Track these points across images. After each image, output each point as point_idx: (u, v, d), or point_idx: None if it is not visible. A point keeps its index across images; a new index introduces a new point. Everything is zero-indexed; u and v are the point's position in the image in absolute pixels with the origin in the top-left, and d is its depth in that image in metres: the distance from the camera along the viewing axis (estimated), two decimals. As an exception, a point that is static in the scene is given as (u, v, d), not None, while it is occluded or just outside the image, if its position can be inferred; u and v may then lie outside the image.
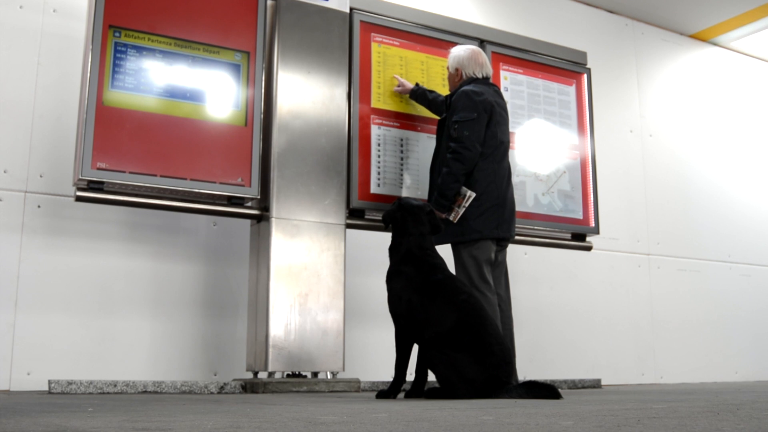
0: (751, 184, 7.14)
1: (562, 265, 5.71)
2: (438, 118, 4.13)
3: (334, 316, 3.94)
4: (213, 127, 3.87)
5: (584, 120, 5.03)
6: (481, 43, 4.69)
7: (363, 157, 4.22)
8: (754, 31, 6.95)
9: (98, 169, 3.55)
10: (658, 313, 6.23)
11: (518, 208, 4.03)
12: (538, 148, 4.82)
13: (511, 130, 4.14)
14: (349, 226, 4.13)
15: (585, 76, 5.12)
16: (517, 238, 4.26)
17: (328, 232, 4.01)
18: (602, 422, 1.65)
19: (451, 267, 3.51)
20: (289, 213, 3.93)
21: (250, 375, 4.00)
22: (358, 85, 4.26)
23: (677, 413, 1.93)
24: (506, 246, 3.88)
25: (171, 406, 2.40)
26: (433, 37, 4.57)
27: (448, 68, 4.00)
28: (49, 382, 3.46)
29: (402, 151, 4.36)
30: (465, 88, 3.79)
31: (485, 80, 3.90)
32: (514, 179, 3.95)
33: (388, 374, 3.34)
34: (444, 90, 4.40)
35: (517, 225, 3.97)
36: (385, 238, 3.50)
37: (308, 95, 4.10)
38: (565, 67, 5.06)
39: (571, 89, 5.05)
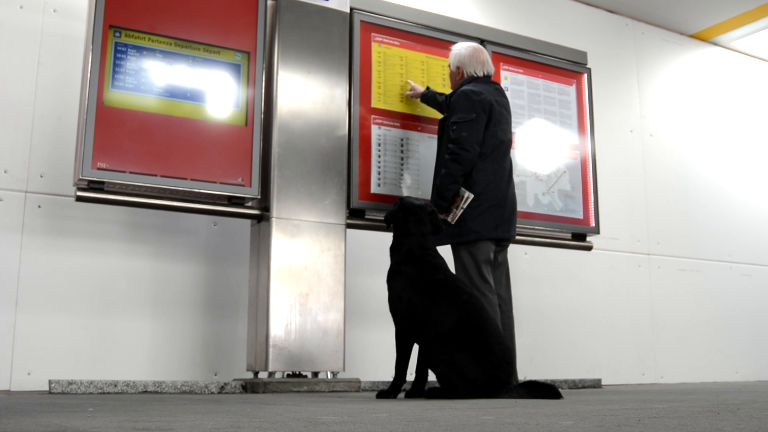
0: (751, 184, 7.14)
1: (563, 265, 5.71)
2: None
3: (335, 316, 3.94)
4: (213, 127, 3.87)
5: (584, 120, 5.03)
6: (482, 42, 4.68)
7: (363, 157, 4.22)
8: (755, 31, 6.95)
9: (98, 169, 3.55)
10: (659, 312, 6.23)
11: (519, 207, 4.02)
12: (539, 148, 4.82)
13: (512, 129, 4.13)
14: (349, 226, 4.13)
15: (585, 75, 5.12)
16: (517, 237, 4.25)
17: (328, 232, 4.01)
18: (602, 422, 1.65)
19: (452, 267, 3.51)
20: (289, 213, 3.93)
21: (250, 375, 4.00)
22: (359, 85, 4.26)
23: (677, 413, 1.93)
24: (507, 246, 3.87)
25: (171, 406, 2.40)
26: (434, 36, 4.57)
27: (449, 66, 3.98)
28: (50, 382, 3.46)
29: (402, 151, 4.36)
30: (464, 87, 3.78)
31: (486, 78, 3.88)
32: (515, 179, 3.95)
33: (388, 374, 3.34)
34: (444, 90, 4.40)
35: (517, 225, 3.96)
36: (386, 238, 3.50)
37: (308, 95, 4.10)
38: (566, 66, 5.06)
39: (572, 89, 5.05)
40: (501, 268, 3.84)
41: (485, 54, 3.93)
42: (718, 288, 6.63)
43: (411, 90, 4.35)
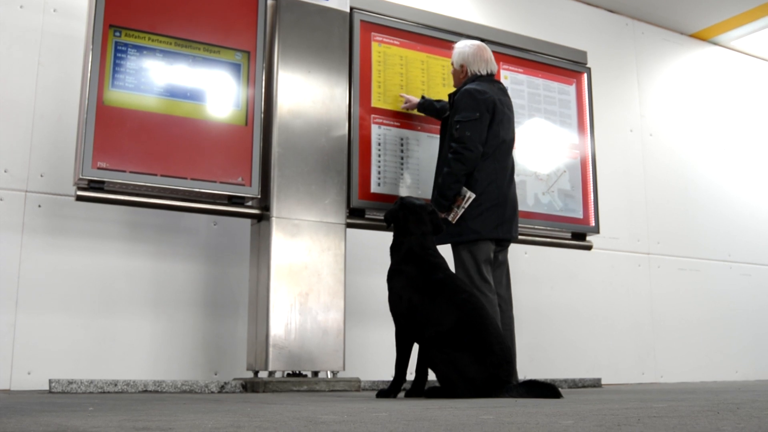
0: (751, 184, 7.14)
1: (563, 265, 5.71)
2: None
3: (335, 315, 3.94)
4: (213, 127, 3.87)
5: (584, 119, 5.03)
6: (482, 42, 4.68)
7: (363, 156, 4.22)
8: (754, 31, 6.95)
9: (99, 168, 3.55)
10: (659, 312, 6.23)
11: (519, 207, 4.02)
12: (539, 148, 4.82)
13: (513, 128, 4.13)
14: (349, 225, 4.13)
15: (585, 75, 5.12)
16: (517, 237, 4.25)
17: (328, 231, 4.01)
18: (602, 421, 1.65)
19: (452, 267, 3.51)
20: (289, 212, 3.93)
21: (250, 374, 4.00)
22: (359, 85, 4.26)
23: (677, 412, 1.93)
24: (507, 246, 3.86)
25: (171, 406, 2.41)
26: (434, 36, 4.57)
27: (452, 64, 3.95)
28: (50, 381, 3.46)
29: (402, 151, 4.36)
30: (468, 86, 3.76)
31: (489, 77, 3.86)
32: (515, 178, 3.94)
33: (388, 373, 3.34)
34: (444, 90, 4.40)
35: (519, 224, 3.96)
36: (386, 238, 3.50)
37: (308, 95, 4.10)
38: (566, 66, 5.06)
39: (572, 89, 5.05)
40: (501, 267, 3.83)
41: (489, 52, 3.89)
42: (718, 287, 6.63)
43: (406, 102, 4.34)
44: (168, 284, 4.22)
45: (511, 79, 4.81)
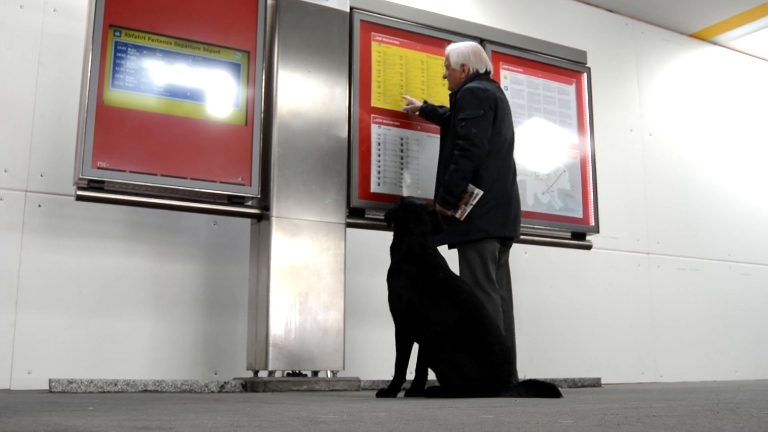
0: (751, 184, 7.14)
1: (562, 264, 5.71)
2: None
3: (335, 315, 3.94)
4: (213, 127, 3.87)
5: (584, 119, 5.03)
6: (482, 42, 4.68)
7: (363, 156, 4.22)
8: (754, 30, 6.96)
9: (99, 168, 3.55)
10: (658, 311, 6.23)
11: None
12: (538, 148, 4.82)
13: (512, 127, 4.13)
14: (349, 225, 4.14)
15: (585, 75, 5.12)
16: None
17: (328, 231, 4.01)
18: (602, 421, 1.65)
19: (453, 267, 3.51)
20: (289, 212, 3.93)
21: (250, 374, 4.00)
22: (359, 85, 4.26)
23: (677, 412, 1.93)
24: (510, 246, 3.87)
25: (171, 405, 2.41)
26: (434, 36, 4.57)
27: (450, 65, 3.94)
28: (50, 381, 3.46)
29: (402, 151, 4.36)
30: (470, 85, 3.76)
31: (487, 75, 3.89)
32: (516, 178, 3.95)
33: (388, 373, 3.34)
34: (444, 90, 4.40)
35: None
36: (386, 238, 3.50)
37: (308, 94, 4.10)
38: (565, 66, 5.06)
39: (571, 88, 5.05)
40: (503, 268, 3.84)
41: (484, 51, 3.97)
42: (718, 287, 6.63)
43: (408, 104, 4.34)
44: (168, 284, 4.22)
45: (510, 78, 4.81)
